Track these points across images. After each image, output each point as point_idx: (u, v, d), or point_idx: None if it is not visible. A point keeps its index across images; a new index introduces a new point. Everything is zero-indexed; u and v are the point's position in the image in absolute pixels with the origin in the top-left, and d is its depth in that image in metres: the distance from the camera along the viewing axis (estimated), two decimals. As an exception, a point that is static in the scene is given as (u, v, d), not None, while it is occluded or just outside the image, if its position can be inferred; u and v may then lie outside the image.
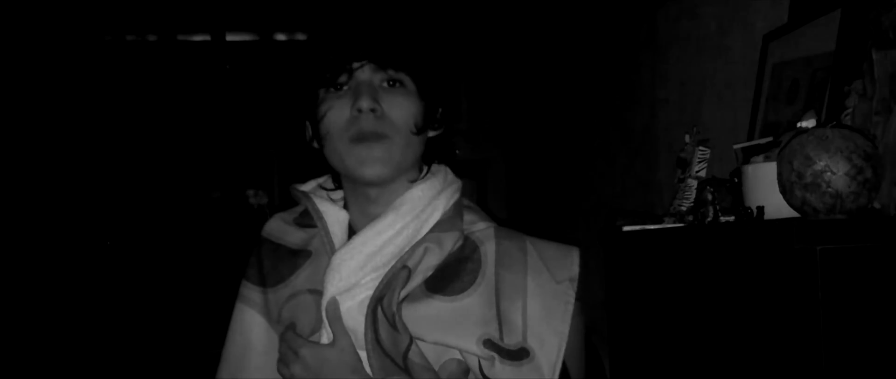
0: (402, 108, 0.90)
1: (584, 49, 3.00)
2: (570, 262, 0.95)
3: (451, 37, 3.93)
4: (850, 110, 1.17)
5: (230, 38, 4.31)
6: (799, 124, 1.09)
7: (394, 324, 0.86)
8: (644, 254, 1.49)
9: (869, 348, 0.90)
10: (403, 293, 0.88)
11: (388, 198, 0.93)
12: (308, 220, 0.97)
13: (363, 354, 0.88)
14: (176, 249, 4.04)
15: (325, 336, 0.90)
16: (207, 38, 4.31)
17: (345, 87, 0.90)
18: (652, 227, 1.46)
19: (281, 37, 4.23)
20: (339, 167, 0.93)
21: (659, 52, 2.28)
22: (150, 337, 3.61)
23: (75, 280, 3.95)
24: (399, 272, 0.88)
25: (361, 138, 0.88)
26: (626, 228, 1.50)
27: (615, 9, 2.64)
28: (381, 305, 0.87)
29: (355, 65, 0.89)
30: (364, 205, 0.95)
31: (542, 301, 0.90)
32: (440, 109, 0.96)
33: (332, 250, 0.93)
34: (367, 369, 0.88)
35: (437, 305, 0.88)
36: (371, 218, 0.92)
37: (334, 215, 0.96)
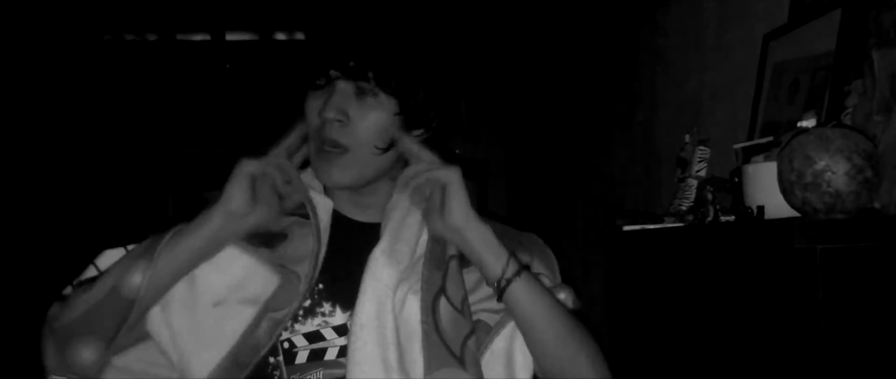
0: (369, 122, 0.92)
1: (584, 49, 3.00)
2: (535, 239, 1.07)
3: (451, 36, 3.93)
4: (850, 110, 1.17)
5: (230, 37, 4.30)
6: (799, 124, 1.09)
7: (462, 311, 0.91)
8: (644, 254, 1.49)
9: (869, 348, 0.91)
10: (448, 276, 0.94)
11: (367, 192, 0.99)
12: (293, 208, 0.99)
13: (366, 348, 0.89)
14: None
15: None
16: (207, 37, 4.31)
17: (322, 91, 0.93)
18: (652, 226, 1.46)
19: (281, 36, 4.23)
20: (312, 166, 0.98)
21: (659, 52, 2.28)
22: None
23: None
24: (450, 261, 0.94)
25: (323, 146, 0.92)
26: (626, 228, 1.50)
27: (615, 9, 2.64)
28: (446, 294, 0.91)
29: (333, 72, 0.91)
30: (345, 193, 1.00)
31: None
32: (424, 123, 0.96)
33: (318, 232, 0.95)
34: (393, 359, 0.89)
35: (467, 277, 0.96)
36: (354, 203, 0.99)
37: (322, 204, 0.99)
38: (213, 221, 0.90)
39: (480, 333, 0.94)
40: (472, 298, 0.94)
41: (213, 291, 0.91)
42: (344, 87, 0.91)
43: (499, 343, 0.93)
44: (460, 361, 0.88)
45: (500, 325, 0.94)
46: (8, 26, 3.80)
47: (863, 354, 0.90)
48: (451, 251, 0.94)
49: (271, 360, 0.92)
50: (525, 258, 0.97)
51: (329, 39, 0.93)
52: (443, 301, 0.90)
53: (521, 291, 0.90)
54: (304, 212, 0.97)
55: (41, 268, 3.94)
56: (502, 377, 0.92)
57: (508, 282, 0.90)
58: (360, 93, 0.92)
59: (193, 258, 0.91)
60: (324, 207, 0.98)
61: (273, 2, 3.86)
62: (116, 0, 3.84)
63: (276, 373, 0.92)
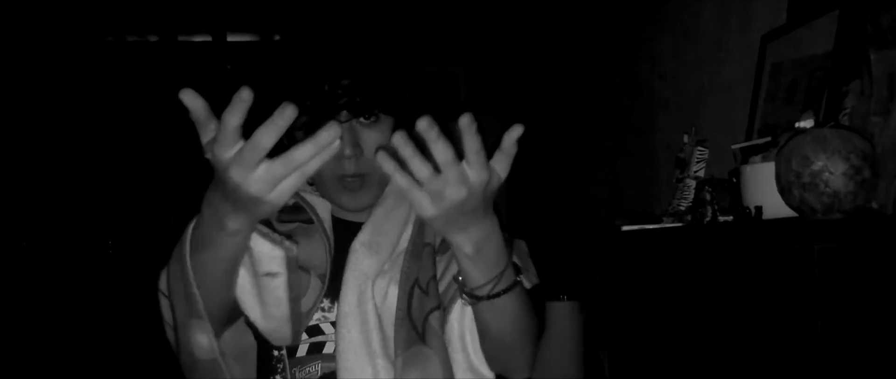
0: (379, 144, 0.95)
1: (584, 49, 3.01)
2: (520, 244, 1.07)
3: (452, 37, 3.94)
4: (848, 110, 1.17)
5: (231, 38, 4.31)
6: (797, 124, 1.09)
7: (426, 291, 0.93)
8: (643, 254, 1.50)
9: (866, 347, 0.91)
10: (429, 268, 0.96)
11: None
12: (293, 215, 1.01)
13: (350, 335, 0.91)
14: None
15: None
16: (208, 38, 4.31)
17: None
18: (650, 226, 1.47)
19: (281, 37, 4.24)
20: (324, 193, 1.00)
21: (658, 52, 2.29)
22: (149, 337, 3.62)
23: (76, 281, 3.96)
24: (423, 249, 0.96)
25: (344, 179, 0.95)
26: (624, 228, 1.50)
27: (615, 9, 2.65)
28: (418, 283, 0.93)
29: (343, 115, 0.93)
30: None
31: None
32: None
33: (325, 232, 0.98)
34: (377, 344, 0.91)
35: (439, 262, 0.98)
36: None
37: (321, 205, 1.01)
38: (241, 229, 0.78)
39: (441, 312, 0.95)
40: (441, 285, 0.96)
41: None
42: (348, 123, 0.93)
43: (453, 327, 0.93)
44: (421, 337, 0.91)
45: (447, 309, 0.94)
46: (10, 27, 3.81)
47: (860, 354, 0.91)
48: (428, 239, 0.97)
49: (275, 353, 0.95)
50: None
51: (322, 87, 0.90)
52: (416, 288, 0.93)
53: (495, 309, 0.85)
54: (305, 218, 0.99)
55: (42, 268, 3.95)
56: (462, 358, 0.94)
57: (484, 298, 0.83)
58: (364, 121, 0.94)
59: (233, 266, 0.85)
60: (324, 208, 1.01)
61: (274, 3, 3.87)
62: (118, 1, 3.84)
63: (279, 365, 0.95)
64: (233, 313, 0.91)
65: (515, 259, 0.96)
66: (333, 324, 0.95)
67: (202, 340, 0.85)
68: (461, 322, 0.93)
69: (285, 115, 0.67)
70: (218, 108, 0.79)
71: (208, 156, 0.73)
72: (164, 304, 0.92)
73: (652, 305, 1.45)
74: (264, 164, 0.69)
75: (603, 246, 1.71)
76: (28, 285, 3.85)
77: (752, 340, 1.07)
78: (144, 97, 4.18)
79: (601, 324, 1.76)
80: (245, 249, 0.84)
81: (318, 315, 0.95)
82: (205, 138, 0.73)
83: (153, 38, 4.30)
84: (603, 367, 1.97)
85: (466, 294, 0.85)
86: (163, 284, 0.92)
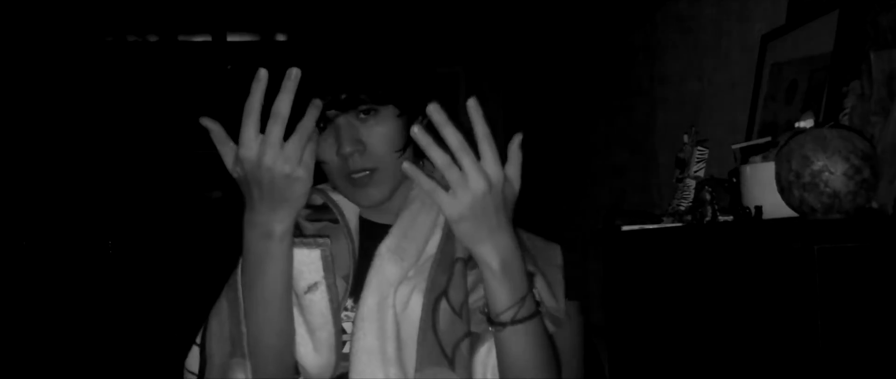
0: (383, 137, 0.93)
1: (583, 49, 3.01)
2: (554, 253, 1.06)
3: (450, 36, 3.94)
4: (848, 110, 1.17)
5: (231, 38, 4.31)
6: (797, 124, 1.09)
7: (460, 313, 0.91)
8: (643, 254, 1.50)
9: (866, 346, 0.91)
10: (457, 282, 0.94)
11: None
12: (321, 215, 1.00)
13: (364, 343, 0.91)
14: (176, 250, 4.04)
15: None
16: (208, 38, 4.31)
17: (324, 128, 0.93)
18: (650, 226, 1.47)
19: (281, 37, 4.24)
20: (338, 190, 0.99)
21: (658, 52, 2.29)
22: (149, 337, 3.62)
23: (76, 281, 3.96)
24: (454, 262, 0.94)
25: (353, 175, 0.94)
26: (624, 228, 1.50)
27: (614, 9, 2.65)
28: (447, 296, 0.91)
29: (331, 113, 0.91)
30: None
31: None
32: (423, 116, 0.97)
33: (350, 234, 0.97)
34: (392, 352, 0.90)
35: (470, 277, 0.96)
36: (374, 207, 0.99)
37: (348, 206, 1.01)
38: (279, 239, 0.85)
39: (472, 339, 0.93)
40: (471, 298, 0.94)
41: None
42: (346, 119, 0.92)
43: (477, 368, 0.92)
44: (450, 362, 0.89)
45: (481, 340, 0.92)
46: (10, 27, 3.81)
47: (860, 353, 0.91)
48: (459, 254, 0.95)
49: None
50: (529, 268, 0.94)
51: (313, 86, 0.89)
52: (443, 302, 0.91)
53: (518, 336, 0.85)
54: (332, 217, 0.99)
55: (42, 268, 3.95)
56: None
57: (509, 323, 0.84)
58: (363, 116, 0.93)
59: (286, 285, 0.89)
60: (351, 210, 1.00)
61: (274, 3, 3.87)
62: (118, 1, 3.84)
63: None
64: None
65: (537, 290, 0.94)
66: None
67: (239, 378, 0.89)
68: (484, 364, 0.92)
69: (293, 78, 0.75)
70: (218, 107, 0.80)
71: (236, 174, 0.82)
72: (194, 353, 0.96)
73: (652, 305, 1.45)
74: (285, 143, 0.78)
75: (603, 246, 1.71)
76: (28, 285, 3.85)
77: (752, 340, 1.07)
78: (144, 97, 4.18)
79: (601, 324, 1.76)
80: (292, 260, 0.89)
81: (341, 315, 0.95)
82: (228, 159, 0.82)
83: (153, 38, 4.30)
84: (603, 367, 1.97)
85: (491, 321, 0.85)
86: (199, 337, 0.96)
